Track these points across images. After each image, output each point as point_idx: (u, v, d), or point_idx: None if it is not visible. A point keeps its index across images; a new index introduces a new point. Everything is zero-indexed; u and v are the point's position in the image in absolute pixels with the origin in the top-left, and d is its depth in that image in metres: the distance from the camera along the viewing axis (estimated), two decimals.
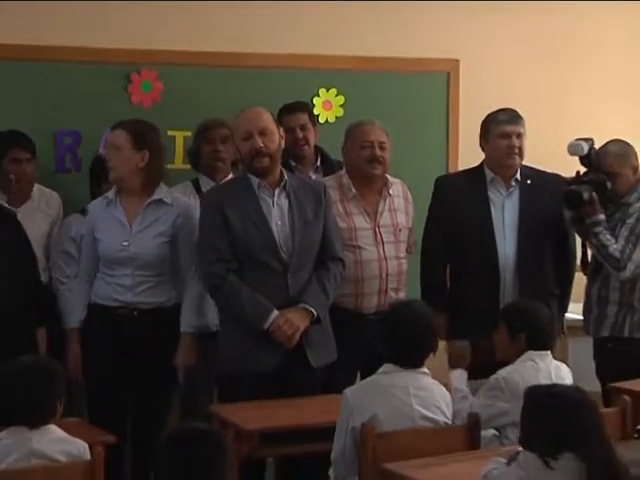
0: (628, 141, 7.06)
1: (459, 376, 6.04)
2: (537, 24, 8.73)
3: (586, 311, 6.97)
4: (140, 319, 6.24)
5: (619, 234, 6.70)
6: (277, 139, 6.13)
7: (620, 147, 7.01)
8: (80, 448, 4.75)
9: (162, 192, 6.36)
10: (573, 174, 6.85)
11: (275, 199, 6.10)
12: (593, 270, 6.91)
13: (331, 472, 5.32)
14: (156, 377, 6.31)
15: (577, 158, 6.85)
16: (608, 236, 6.65)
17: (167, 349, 6.32)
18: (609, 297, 6.82)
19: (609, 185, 6.75)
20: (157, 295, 6.31)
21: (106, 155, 6.40)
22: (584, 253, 6.96)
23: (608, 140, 6.99)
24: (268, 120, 6.14)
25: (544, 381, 5.15)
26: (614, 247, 6.63)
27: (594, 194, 6.64)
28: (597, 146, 6.85)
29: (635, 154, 7.00)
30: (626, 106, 9.04)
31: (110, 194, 6.32)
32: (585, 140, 6.81)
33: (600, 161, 6.81)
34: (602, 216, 6.67)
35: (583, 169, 6.85)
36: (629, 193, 6.84)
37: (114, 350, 6.19)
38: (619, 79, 9.15)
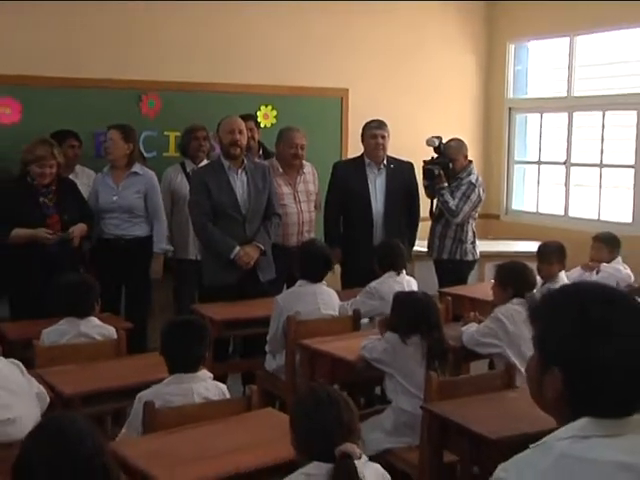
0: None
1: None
2: (396, 65, 8.93)
3: (431, 243, 7.35)
4: (126, 245, 6.55)
5: (455, 196, 7.12)
6: (246, 138, 6.43)
7: (457, 142, 7.45)
8: (111, 331, 5.04)
9: (137, 167, 6.71)
10: (428, 158, 7.30)
11: (238, 176, 6.33)
12: (437, 217, 7.31)
13: (267, 347, 5.63)
14: (139, 278, 6.69)
15: (431, 148, 7.28)
16: (448, 197, 7.13)
17: (144, 262, 6.73)
18: (447, 234, 7.23)
19: (450, 166, 7.23)
20: (135, 230, 6.62)
21: (106, 145, 6.72)
22: (432, 206, 7.35)
23: (450, 138, 7.40)
24: (243, 126, 6.41)
25: (400, 289, 5.38)
26: (452, 203, 7.10)
27: (441, 171, 7.16)
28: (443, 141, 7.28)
29: (466, 147, 7.45)
30: (450, 119, 9.24)
31: (105, 169, 6.67)
32: (436, 137, 7.28)
33: (445, 151, 7.29)
34: (446, 184, 7.16)
35: (434, 155, 7.30)
36: (462, 172, 7.30)
37: (113, 263, 6.52)
38: (448, 104, 9.40)
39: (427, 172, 7.24)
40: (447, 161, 7.22)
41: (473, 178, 7.31)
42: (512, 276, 5.20)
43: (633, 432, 1.75)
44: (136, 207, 6.63)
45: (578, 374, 1.76)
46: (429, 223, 7.55)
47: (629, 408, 1.77)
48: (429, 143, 7.27)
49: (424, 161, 7.31)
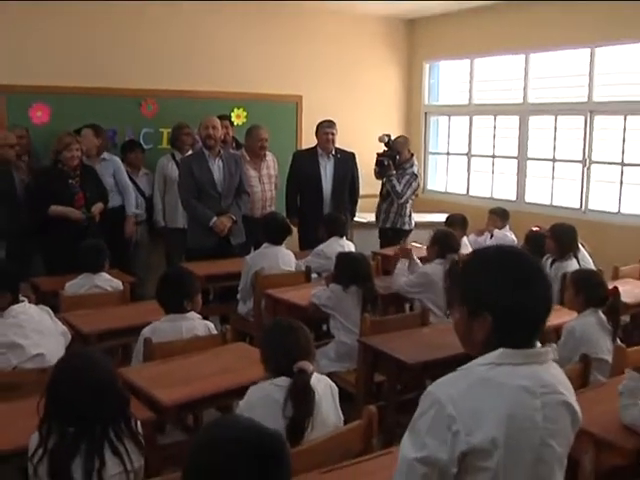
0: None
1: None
2: (340, 77, 8.91)
3: (378, 215, 7.34)
4: (107, 213, 6.31)
5: (401, 182, 7.11)
6: (220, 132, 6.38)
7: (403, 139, 7.49)
8: (118, 284, 5.08)
9: (106, 155, 6.70)
10: (367, 150, 7.33)
11: (216, 162, 6.27)
12: (384, 196, 7.25)
13: (239, 295, 5.64)
14: (117, 239, 6.56)
15: (372, 142, 7.32)
16: (395, 182, 7.11)
17: (122, 226, 6.73)
18: (391, 209, 7.23)
19: (397, 158, 7.20)
20: (110, 202, 6.45)
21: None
22: (382, 188, 7.31)
23: (398, 135, 7.53)
24: (217, 122, 6.34)
25: (342, 250, 5.32)
26: (398, 188, 7.10)
27: (390, 162, 7.13)
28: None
29: (409, 143, 7.51)
30: (381, 120, 9.34)
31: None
32: (386, 135, 7.29)
33: (393, 145, 7.26)
34: (394, 172, 7.13)
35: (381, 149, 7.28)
36: (406, 163, 7.26)
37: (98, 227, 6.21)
38: (380, 108, 9.44)
39: (379, 162, 7.21)
40: (394, 154, 7.20)
41: (415, 169, 7.28)
42: (445, 242, 5.23)
43: (533, 362, 1.78)
44: (108, 184, 6.55)
45: (505, 317, 1.77)
46: (368, 200, 7.59)
47: (532, 341, 1.80)
48: (381, 140, 7.26)
49: (377, 153, 7.24)
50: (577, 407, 1.86)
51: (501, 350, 1.76)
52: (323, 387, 2.82)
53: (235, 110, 8.15)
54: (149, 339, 3.72)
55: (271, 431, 1.62)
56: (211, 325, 4.08)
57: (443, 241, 5.24)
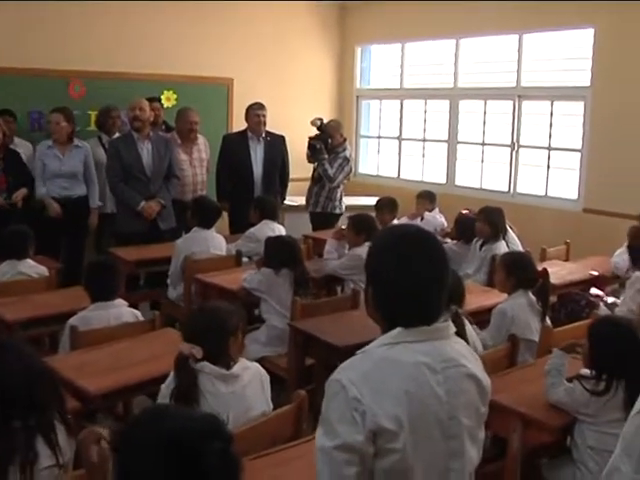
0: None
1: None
2: (271, 60, 8.85)
3: (309, 199, 7.27)
4: (71, 202, 6.33)
5: (333, 166, 7.05)
6: (148, 114, 6.24)
7: (335, 123, 7.44)
8: (44, 270, 4.92)
9: (77, 141, 6.49)
10: (298, 133, 7.26)
11: (144, 145, 6.16)
12: (316, 180, 7.19)
13: (169, 280, 5.56)
14: (80, 228, 6.50)
15: (302, 126, 7.26)
16: (327, 166, 7.03)
17: (84, 216, 6.54)
18: (322, 193, 7.17)
19: (329, 141, 7.13)
20: (77, 191, 6.42)
21: (50, 127, 6.40)
22: (313, 172, 7.24)
23: (330, 119, 7.49)
24: (145, 104, 6.23)
25: (272, 234, 5.27)
26: (330, 172, 7.03)
27: (322, 145, 7.06)
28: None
29: (342, 127, 7.46)
30: (313, 104, 9.30)
31: (49, 142, 6.35)
32: (319, 118, 7.20)
33: (325, 129, 7.17)
34: (326, 156, 7.04)
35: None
36: (338, 147, 7.19)
37: (62, 217, 6.26)
38: (311, 92, 9.41)
39: (311, 146, 7.14)
40: (326, 137, 7.14)
41: (347, 154, 7.24)
42: (362, 226, 5.19)
43: (431, 339, 1.79)
44: (79, 172, 6.42)
45: (386, 294, 1.83)
46: (299, 183, 7.57)
47: (428, 320, 1.80)
48: (313, 123, 7.18)
49: (309, 137, 7.17)
50: (483, 378, 1.87)
51: (398, 329, 1.78)
52: (251, 375, 2.79)
53: (165, 92, 8.02)
54: (75, 327, 3.65)
55: (205, 414, 1.60)
56: (138, 313, 4.04)
57: (368, 226, 5.20)
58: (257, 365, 2.90)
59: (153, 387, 3.39)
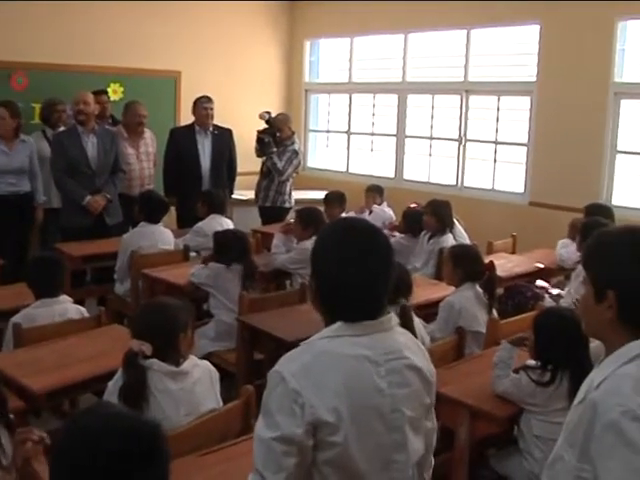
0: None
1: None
2: (219, 54, 8.82)
3: (258, 193, 7.25)
4: (18, 198, 6.25)
5: (282, 159, 7.03)
6: (92, 108, 6.14)
7: (284, 116, 7.43)
8: None
9: (23, 136, 6.37)
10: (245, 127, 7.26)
11: (89, 139, 6.05)
12: (265, 174, 7.17)
13: (116, 276, 5.48)
14: (25, 224, 6.43)
15: (249, 119, 7.34)
16: (276, 160, 7.02)
17: (30, 211, 6.44)
18: (271, 187, 7.14)
19: (278, 135, 7.11)
20: (24, 186, 6.32)
21: None
22: (262, 166, 7.23)
23: (278, 112, 7.49)
24: (89, 97, 6.11)
25: (221, 228, 5.25)
26: (279, 165, 7.01)
27: (271, 139, 7.04)
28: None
29: (290, 120, 7.44)
30: (261, 98, 9.31)
31: None
32: (267, 112, 7.18)
33: (274, 122, 7.15)
34: (274, 150, 7.04)
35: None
36: (287, 140, 7.18)
37: (8, 212, 6.18)
38: (260, 86, 9.41)
39: (259, 139, 7.12)
40: (275, 131, 7.12)
41: (296, 147, 7.22)
42: (309, 219, 5.18)
43: (373, 332, 1.79)
44: (25, 168, 6.31)
45: (328, 288, 1.83)
46: (247, 177, 7.52)
47: (371, 314, 1.80)
48: (261, 117, 7.15)
49: (258, 130, 7.14)
50: (427, 369, 1.89)
51: (339, 323, 1.78)
52: (201, 372, 2.77)
53: (112, 85, 7.92)
54: (18, 324, 3.58)
55: (145, 420, 1.52)
56: (83, 309, 3.99)
57: (315, 220, 5.19)
58: (207, 362, 2.87)
59: (100, 385, 3.34)
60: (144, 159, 6.91)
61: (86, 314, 3.95)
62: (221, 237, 4.73)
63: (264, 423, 1.71)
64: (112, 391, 2.65)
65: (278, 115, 7.42)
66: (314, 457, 1.71)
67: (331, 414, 1.68)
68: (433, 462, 2.01)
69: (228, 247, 4.60)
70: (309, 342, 1.80)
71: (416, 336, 3.51)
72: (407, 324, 3.55)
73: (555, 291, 5.31)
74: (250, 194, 7.51)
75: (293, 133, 7.39)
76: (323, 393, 1.69)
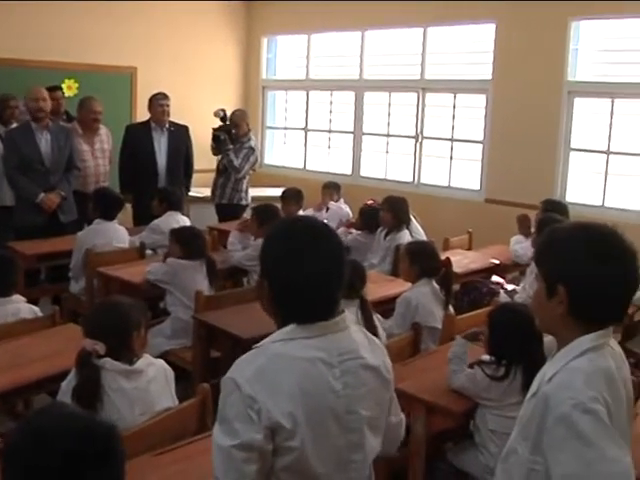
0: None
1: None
2: (176, 51, 8.78)
3: (215, 190, 7.17)
4: None
5: (238, 156, 6.97)
6: (49, 104, 6.04)
7: (240, 112, 7.40)
8: None
9: None
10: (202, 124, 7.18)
11: (43, 135, 5.95)
12: (221, 171, 7.11)
13: (70, 274, 5.39)
14: None
15: (205, 116, 7.20)
16: (233, 157, 6.94)
17: None
18: (227, 184, 7.07)
19: (234, 132, 7.07)
20: None
21: None
22: (218, 163, 7.14)
23: (235, 109, 7.47)
24: (46, 94, 6.01)
25: (177, 225, 5.14)
26: (236, 162, 6.94)
27: (226, 136, 6.98)
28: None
29: (247, 116, 7.40)
30: (218, 95, 9.31)
31: None
32: (222, 110, 7.12)
33: (231, 118, 7.11)
34: (231, 147, 6.97)
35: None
36: (243, 137, 7.12)
37: None
38: (217, 83, 9.40)
39: (215, 137, 7.06)
40: (230, 128, 7.07)
41: (252, 143, 7.16)
42: (265, 217, 5.12)
43: (327, 333, 1.76)
44: None
45: (279, 289, 1.78)
46: (204, 174, 7.49)
47: (324, 315, 1.78)
48: (216, 114, 7.11)
49: (213, 128, 7.09)
50: (384, 367, 1.87)
51: (292, 326, 1.75)
52: (155, 371, 2.74)
53: (66, 81, 7.83)
54: None
55: (100, 421, 1.51)
56: (37, 309, 3.94)
57: (272, 217, 5.12)
58: (162, 361, 2.85)
59: (54, 385, 3.29)
60: (99, 156, 6.80)
61: (40, 313, 3.89)
62: (181, 233, 4.69)
63: (222, 430, 1.68)
64: (65, 391, 2.61)
65: (235, 111, 7.37)
66: (272, 463, 1.70)
67: (287, 419, 1.66)
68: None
69: (190, 243, 4.57)
70: (262, 345, 1.77)
71: (376, 329, 3.57)
72: (367, 318, 3.61)
73: (510, 287, 5.38)
74: (207, 191, 7.46)
75: (249, 130, 7.35)
76: (278, 397, 1.67)
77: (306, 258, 1.76)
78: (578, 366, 1.69)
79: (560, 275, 1.74)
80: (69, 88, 7.84)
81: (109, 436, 1.44)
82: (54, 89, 6.72)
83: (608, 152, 6.81)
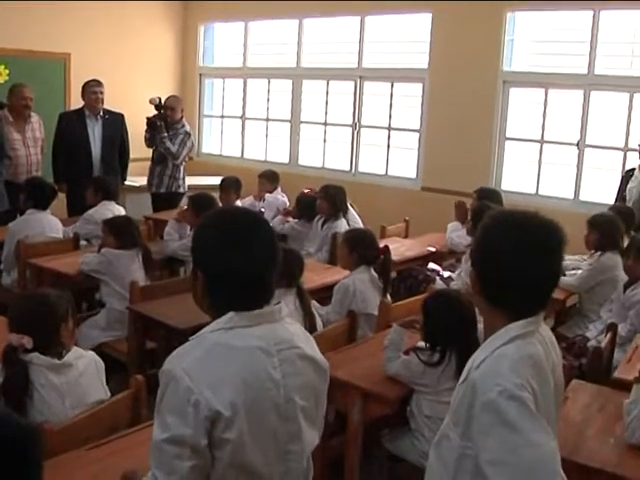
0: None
1: None
2: (111, 38, 8.61)
3: (151, 180, 7.00)
4: None
5: (175, 142, 6.85)
6: None
7: (176, 97, 7.32)
8: None
9: None
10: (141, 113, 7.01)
11: None
12: (157, 160, 6.95)
13: (2, 266, 5.28)
14: None
15: (140, 104, 7.06)
16: (169, 144, 6.83)
17: None
18: (165, 172, 6.90)
19: (169, 118, 6.90)
20: None
21: None
22: (153, 153, 7.02)
23: (169, 95, 7.34)
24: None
25: (112, 215, 5.05)
26: (173, 149, 6.82)
27: (162, 123, 6.87)
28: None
29: (182, 102, 7.31)
30: (154, 83, 9.20)
31: None
32: (157, 97, 6.97)
33: (166, 102, 6.98)
34: (166, 134, 6.84)
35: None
36: (177, 123, 6.99)
37: None
38: (153, 71, 9.29)
39: (151, 124, 6.94)
40: (165, 116, 6.94)
41: (187, 128, 7.07)
42: (202, 206, 5.01)
43: (265, 322, 1.76)
44: None
45: (214, 277, 1.76)
46: (139, 163, 7.38)
47: (260, 303, 1.77)
48: (151, 101, 6.97)
49: (147, 117, 6.96)
50: (318, 357, 1.86)
51: (230, 314, 1.73)
52: (86, 363, 2.69)
53: None
54: None
55: (17, 420, 1.42)
56: None
57: (208, 206, 4.92)
58: (92, 353, 2.79)
59: None
60: (31, 145, 6.64)
61: None
62: (114, 223, 4.62)
63: (156, 423, 1.66)
64: None
65: (170, 97, 7.26)
66: (212, 457, 1.66)
67: (227, 408, 1.63)
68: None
69: (125, 232, 4.52)
70: (200, 336, 1.74)
71: (313, 317, 3.58)
72: (305, 305, 3.62)
73: (446, 274, 5.45)
74: (143, 180, 7.34)
75: (183, 116, 7.24)
76: (218, 387, 1.63)
77: (240, 245, 1.74)
78: (505, 353, 1.70)
79: (479, 264, 1.80)
80: None
81: (21, 439, 1.37)
82: None
83: (542, 141, 6.95)
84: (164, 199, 7.02)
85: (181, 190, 7.15)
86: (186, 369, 1.64)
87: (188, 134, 7.06)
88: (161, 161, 7.01)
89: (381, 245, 4.42)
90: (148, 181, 7.15)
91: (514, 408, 1.61)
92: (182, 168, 7.15)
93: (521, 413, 1.62)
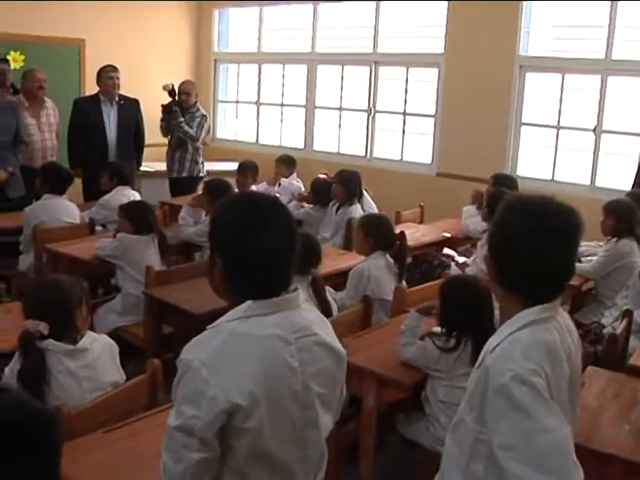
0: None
1: None
2: (127, 24, 8.60)
3: (171, 165, 7.03)
4: None
5: (192, 126, 6.86)
6: None
7: (190, 82, 7.30)
8: None
9: None
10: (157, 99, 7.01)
11: None
12: (176, 146, 6.98)
13: (21, 247, 5.28)
14: None
15: (153, 90, 7.13)
16: (187, 128, 6.83)
17: None
18: (186, 157, 6.95)
19: (183, 102, 6.93)
20: None
21: None
22: (171, 138, 7.05)
23: (183, 80, 7.35)
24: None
25: (127, 201, 4.98)
26: (192, 132, 6.84)
27: (177, 108, 6.87)
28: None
29: (196, 86, 7.31)
30: (170, 68, 9.18)
31: None
32: (170, 83, 6.94)
33: (180, 87, 7.00)
34: (182, 119, 6.85)
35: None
36: (193, 107, 7.01)
37: None
38: (168, 56, 9.26)
39: (166, 109, 6.95)
40: (180, 101, 6.96)
41: (203, 111, 7.10)
42: (217, 192, 4.99)
43: (282, 310, 1.73)
44: None
45: (232, 263, 1.73)
46: (155, 148, 7.37)
47: (278, 290, 1.74)
48: (165, 88, 6.95)
49: (162, 105, 6.97)
50: (335, 344, 1.84)
51: (249, 302, 1.70)
52: (100, 347, 2.71)
53: (12, 53, 7.64)
54: None
55: (36, 407, 1.44)
56: None
57: (224, 192, 4.88)
58: (105, 336, 2.81)
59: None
60: (46, 130, 6.63)
61: None
62: (129, 208, 4.62)
63: (173, 410, 1.65)
64: (10, 377, 2.54)
65: (184, 82, 7.26)
66: (230, 446, 1.65)
67: (246, 399, 1.60)
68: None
69: (141, 217, 4.51)
70: (218, 324, 1.71)
71: (328, 304, 3.58)
72: (319, 294, 3.62)
73: (461, 259, 5.44)
74: (158, 166, 7.36)
75: (197, 100, 7.26)
76: (237, 378, 1.61)
77: (260, 231, 1.71)
78: (519, 338, 1.72)
79: (495, 250, 1.81)
80: (15, 61, 7.63)
81: (40, 425, 1.39)
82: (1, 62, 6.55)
83: (558, 127, 6.88)
84: (184, 184, 7.01)
85: (202, 174, 7.15)
86: (203, 360, 1.62)
87: (205, 116, 7.08)
88: (180, 146, 7.02)
89: (396, 231, 4.41)
90: (168, 167, 7.15)
91: (526, 393, 1.63)
92: (201, 152, 7.15)
93: (533, 398, 1.63)
